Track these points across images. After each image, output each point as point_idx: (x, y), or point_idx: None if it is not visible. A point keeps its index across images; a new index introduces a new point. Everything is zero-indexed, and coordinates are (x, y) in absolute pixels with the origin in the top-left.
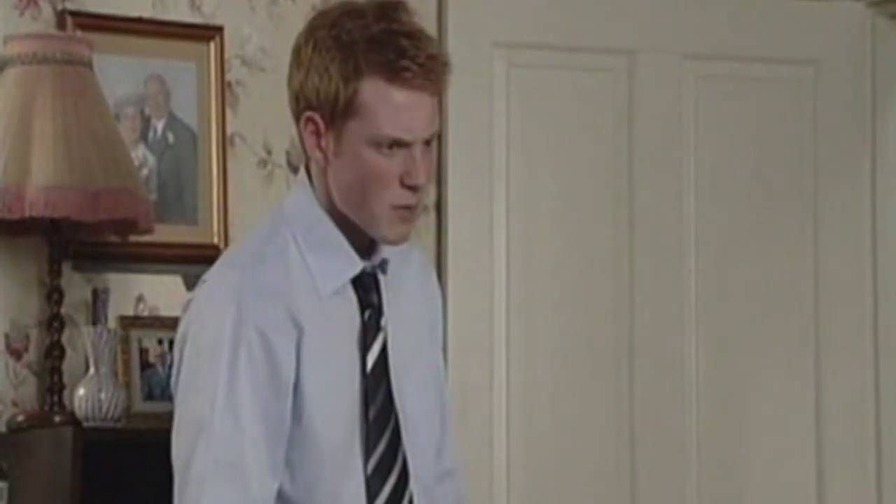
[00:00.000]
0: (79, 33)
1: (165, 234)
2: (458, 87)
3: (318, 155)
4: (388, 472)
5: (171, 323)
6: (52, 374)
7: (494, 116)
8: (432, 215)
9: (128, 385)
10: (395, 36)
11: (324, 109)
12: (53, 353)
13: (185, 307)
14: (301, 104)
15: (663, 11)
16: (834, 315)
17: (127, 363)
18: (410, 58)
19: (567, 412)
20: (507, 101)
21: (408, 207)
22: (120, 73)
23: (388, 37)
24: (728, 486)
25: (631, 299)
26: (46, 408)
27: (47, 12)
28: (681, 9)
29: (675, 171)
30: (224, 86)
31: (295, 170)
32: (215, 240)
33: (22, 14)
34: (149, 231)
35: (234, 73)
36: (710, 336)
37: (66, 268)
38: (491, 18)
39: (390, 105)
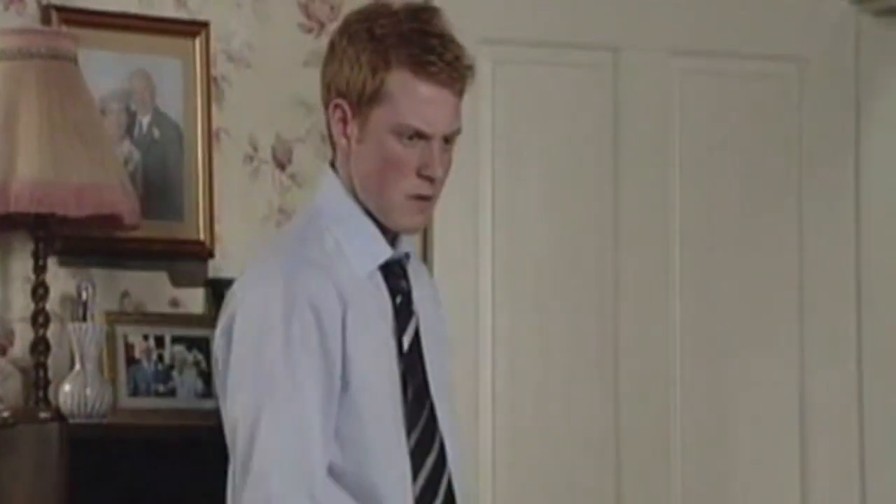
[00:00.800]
0: (64, 28)
1: (151, 229)
2: None
3: (343, 141)
4: (428, 451)
5: (157, 318)
6: (37, 369)
7: (480, 112)
8: None
9: (113, 381)
10: (424, 35)
11: (351, 97)
12: (39, 348)
13: (229, 297)
14: (331, 93)
15: (648, 8)
16: (818, 310)
17: (112, 359)
18: (437, 55)
19: (552, 412)
20: (492, 97)
21: (423, 198)
22: (105, 68)
23: (418, 35)
24: (712, 481)
25: (616, 294)
26: (32, 404)
27: (32, 7)
28: (666, 5)
29: (661, 166)
30: (210, 81)
31: (280, 165)
32: (201, 236)
33: (7, 9)
34: (135, 227)
35: (220, 68)
36: (694, 331)
37: (52, 263)
38: (477, 15)
39: (414, 97)
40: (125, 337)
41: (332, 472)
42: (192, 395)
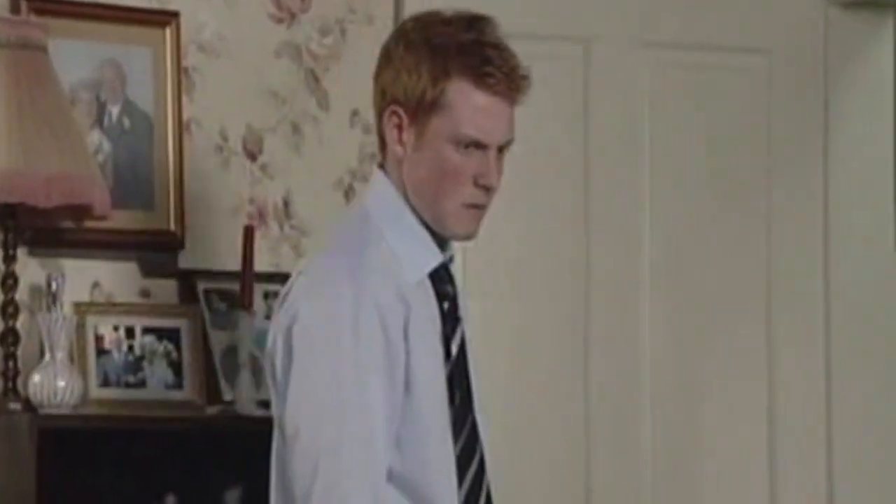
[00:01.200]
0: (33, 18)
1: (121, 219)
2: None
3: (398, 148)
4: (471, 458)
5: (126, 308)
6: (6, 360)
7: None
8: None
9: (83, 371)
10: (482, 45)
11: (409, 105)
12: (8, 339)
13: (283, 297)
14: (387, 99)
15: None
16: (786, 302)
17: (82, 350)
18: (496, 66)
19: (522, 408)
20: None
21: (477, 206)
22: (75, 57)
23: (476, 45)
24: (682, 474)
25: (587, 286)
26: (1, 395)
27: None
28: None
29: (631, 159)
30: (180, 71)
31: (251, 156)
32: (171, 226)
33: None
34: (105, 217)
35: (191, 58)
36: (664, 320)
37: (21, 253)
38: (446, 6)
39: (473, 107)
40: (95, 327)
41: (390, 477)
42: (163, 386)
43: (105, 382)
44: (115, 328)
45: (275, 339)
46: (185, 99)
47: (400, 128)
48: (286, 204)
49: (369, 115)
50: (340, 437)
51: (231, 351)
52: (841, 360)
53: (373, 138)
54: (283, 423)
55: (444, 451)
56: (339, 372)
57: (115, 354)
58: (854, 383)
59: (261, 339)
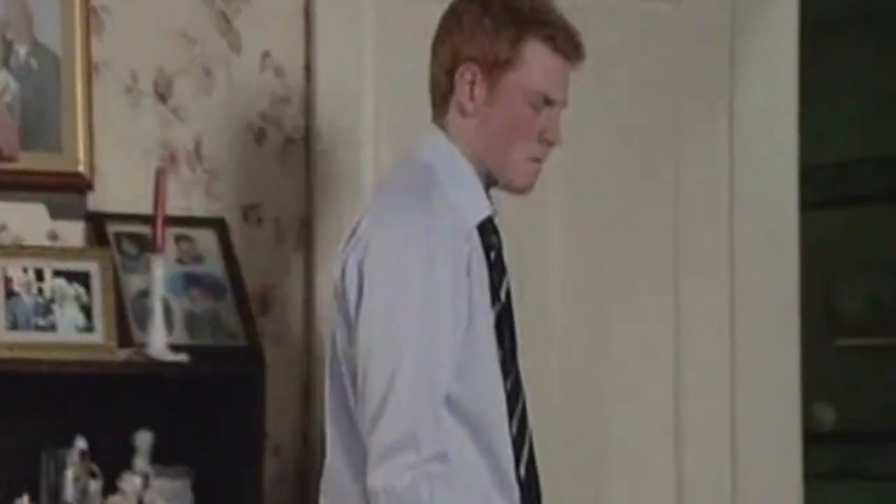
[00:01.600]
0: None
1: (29, 161)
2: (327, 18)
3: (469, 104)
4: (518, 397)
5: (36, 251)
6: None
7: (364, 50)
8: (301, 149)
9: None
10: (550, 13)
11: (485, 63)
12: None
13: (350, 236)
14: (460, 58)
15: None
16: (692, 241)
17: None
18: (566, 33)
19: None
20: (377, 35)
21: (539, 160)
22: None
23: (549, 14)
24: (589, 411)
25: None
26: None
27: None
28: None
29: None
30: (89, 11)
31: (162, 98)
32: (80, 168)
33: None
34: (14, 158)
35: None
36: (574, 261)
37: None
38: None
39: (547, 66)
40: (4, 270)
41: (446, 402)
42: (73, 329)
43: (14, 325)
44: (25, 270)
45: (344, 272)
46: (94, 39)
47: (473, 84)
48: (197, 147)
49: (281, 58)
50: (410, 363)
51: (142, 294)
52: (745, 315)
53: (283, 81)
54: (353, 350)
55: (496, 384)
56: (411, 300)
57: (25, 297)
58: (756, 321)
59: (172, 282)
